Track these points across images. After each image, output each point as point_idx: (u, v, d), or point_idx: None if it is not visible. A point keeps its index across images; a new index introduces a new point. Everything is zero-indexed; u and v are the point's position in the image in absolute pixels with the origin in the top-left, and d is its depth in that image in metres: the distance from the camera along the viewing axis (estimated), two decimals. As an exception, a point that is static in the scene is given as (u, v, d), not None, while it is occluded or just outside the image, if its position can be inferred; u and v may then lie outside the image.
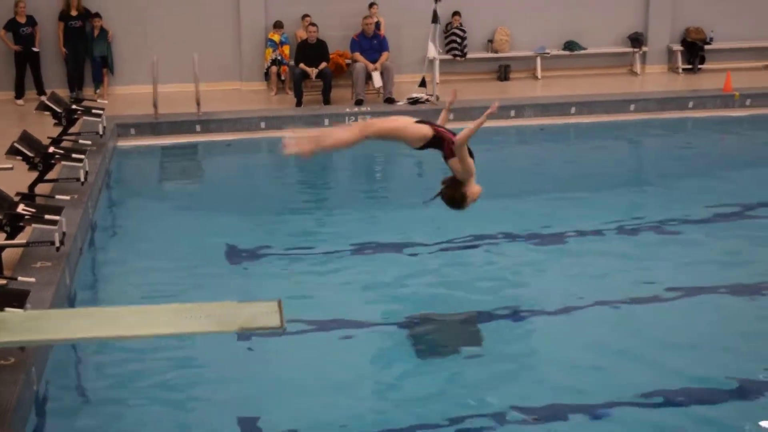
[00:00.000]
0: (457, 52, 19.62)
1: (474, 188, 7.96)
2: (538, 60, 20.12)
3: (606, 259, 11.05)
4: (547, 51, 20.12)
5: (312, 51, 17.90)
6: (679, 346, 8.79)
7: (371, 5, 18.61)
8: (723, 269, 10.67)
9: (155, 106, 16.51)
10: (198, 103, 16.68)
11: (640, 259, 11.04)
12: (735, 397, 7.96)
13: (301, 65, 17.73)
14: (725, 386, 8.08)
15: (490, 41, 20.10)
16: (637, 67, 20.51)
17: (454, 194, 7.89)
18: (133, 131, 16.42)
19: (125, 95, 18.37)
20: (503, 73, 19.99)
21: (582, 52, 20.30)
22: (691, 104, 18.24)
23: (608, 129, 17.34)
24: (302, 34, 18.39)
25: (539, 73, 20.10)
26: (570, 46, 20.28)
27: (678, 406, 7.80)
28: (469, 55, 19.79)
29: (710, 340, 8.96)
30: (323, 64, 17.87)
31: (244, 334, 8.77)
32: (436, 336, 9.28)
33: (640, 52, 20.49)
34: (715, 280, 10.26)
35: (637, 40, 20.42)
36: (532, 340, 9.19)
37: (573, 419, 7.61)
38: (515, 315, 9.54)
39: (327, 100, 17.81)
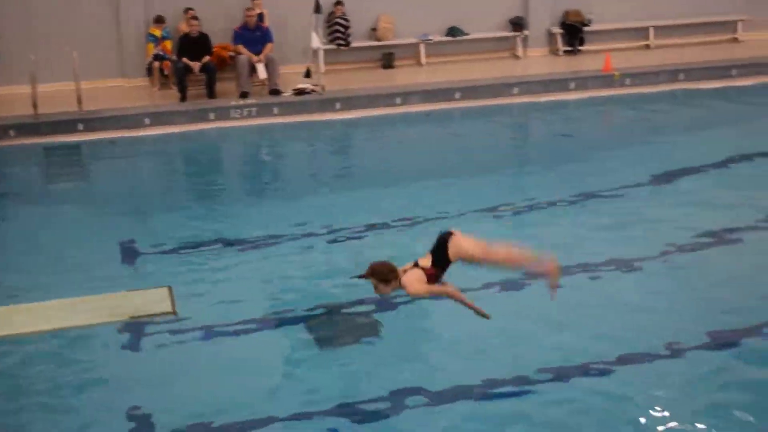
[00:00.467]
0: (341, 42, 19.63)
1: (415, 286, 7.26)
2: (422, 47, 20.27)
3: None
4: (431, 37, 20.28)
5: (194, 45, 17.70)
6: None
7: (253, -2, 18.53)
8: (607, 245, 10.87)
9: (35, 105, 16.16)
10: (79, 101, 16.38)
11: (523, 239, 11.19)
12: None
13: (184, 59, 17.53)
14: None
15: (374, 29, 20.18)
16: (519, 51, 20.82)
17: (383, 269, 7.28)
18: (12, 132, 16.04)
19: (3, 95, 17.91)
20: (388, 60, 20.09)
21: (465, 37, 20.52)
22: (572, 85, 18.57)
23: (493, 113, 17.57)
24: (184, 28, 18.18)
25: (423, 60, 20.26)
26: (453, 32, 20.48)
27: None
28: (353, 44, 19.84)
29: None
30: (206, 58, 17.69)
31: (137, 329, 8.64)
32: (332, 328, 9.24)
33: (522, 36, 20.80)
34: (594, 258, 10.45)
35: (518, 24, 20.73)
36: (426, 325, 9.24)
37: (470, 402, 7.69)
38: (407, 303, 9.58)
39: (212, 94, 17.66)
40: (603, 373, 7.96)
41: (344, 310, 9.43)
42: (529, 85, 18.41)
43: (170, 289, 6.58)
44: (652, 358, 8.14)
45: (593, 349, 8.31)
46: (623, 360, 8.12)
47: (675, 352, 8.25)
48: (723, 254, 10.55)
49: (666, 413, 7.31)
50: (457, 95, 17.97)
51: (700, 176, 13.27)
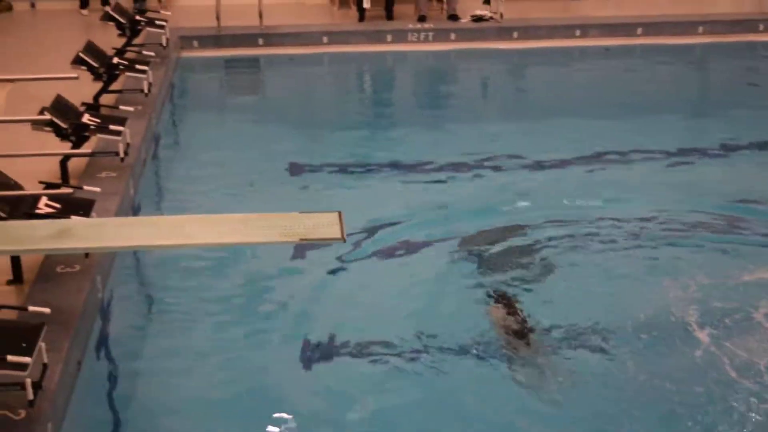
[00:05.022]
0: (523, -30, 19.30)
1: None
2: (607, -22, 19.76)
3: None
4: (616, -31, 19.75)
5: (376, -36, 17.72)
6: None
7: None
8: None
9: (218, 18, 16.49)
10: (261, 17, 16.63)
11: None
12: None
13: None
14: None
15: (559, -42, 19.77)
16: (707, -12, 20.04)
17: None
18: (195, 43, 16.44)
19: (188, 6, 18.30)
20: (570, -9, 19.68)
21: (652, -29, 19.87)
22: (761, 27, 17.79)
23: (675, 51, 17.03)
24: (366, -52, 18.19)
25: (607, -8, 19.76)
26: (640, -36, 19.86)
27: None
28: (536, -27, 19.47)
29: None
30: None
31: (306, 251, 8.89)
32: (494, 261, 9.22)
33: (711, -27, 20.00)
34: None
35: (709, -41, 19.94)
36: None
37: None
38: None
39: (390, 16, 17.65)
40: None
41: (507, 243, 9.40)
42: (713, 25, 17.74)
43: (340, 214, 6.65)
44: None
45: None
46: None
47: None
48: None
49: None
50: (639, 31, 17.47)
51: None
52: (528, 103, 14.73)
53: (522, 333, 7.83)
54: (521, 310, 8.11)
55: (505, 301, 8.35)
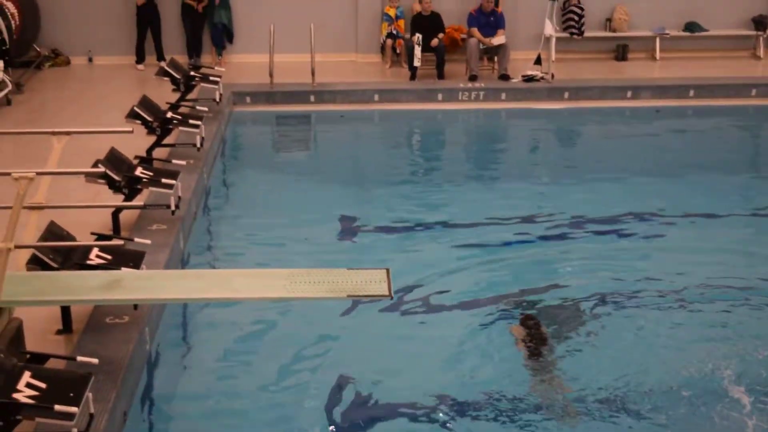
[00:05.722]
0: (574, 31, 19.36)
1: None
2: (657, 40, 19.73)
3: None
4: (667, 32, 19.72)
5: (427, 22, 17.85)
6: None
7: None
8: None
9: (271, 75, 16.70)
10: (313, 74, 16.81)
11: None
12: None
13: (415, 38, 17.67)
14: None
15: (609, 20, 19.79)
16: (761, 51, 19.94)
17: None
18: (248, 99, 16.63)
19: (242, 63, 18.62)
20: (621, 52, 19.67)
21: (703, 33, 19.84)
22: (814, 92, 17.68)
23: (728, 113, 16.94)
24: (417, 8, 18.36)
25: (658, 54, 19.72)
26: (690, 27, 19.84)
27: None
28: (586, 34, 19.51)
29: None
30: (440, 35, 17.81)
31: (354, 307, 8.91)
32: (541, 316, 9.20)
33: (765, 36, 19.92)
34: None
35: (761, 23, 19.85)
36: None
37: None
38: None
39: (441, 75, 17.77)
40: None
41: (550, 301, 9.36)
42: (767, 88, 17.65)
43: (388, 271, 6.69)
44: None
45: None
46: None
47: None
48: None
49: None
50: (691, 93, 17.42)
51: None
52: (578, 163, 14.70)
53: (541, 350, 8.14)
54: (545, 331, 8.38)
55: (531, 321, 8.69)
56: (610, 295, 9.43)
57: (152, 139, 12.11)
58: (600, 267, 10.21)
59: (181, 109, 13.50)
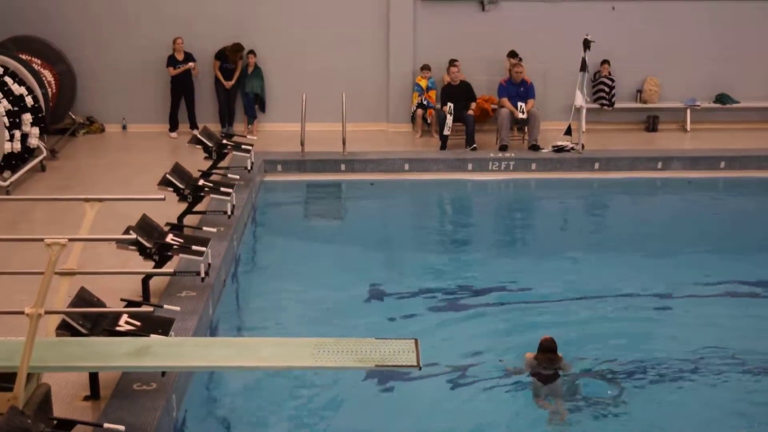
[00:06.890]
0: (604, 101, 19.41)
1: None
2: (688, 112, 19.74)
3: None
4: (698, 103, 19.73)
5: (457, 93, 17.93)
6: None
7: (517, 56, 18.59)
8: None
9: (302, 144, 16.81)
10: (344, 143, 16.91)
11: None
12: None
13: (446, 108, 17.75)
14: None
15: (639, 91, 19.84)
16: (792, 123, 19.93)
17: None
18: (279, 167, 16.74)
19: (274, 132, 18.77)
20: (652, 123, 19.67)
21: (734, 105, 19.84)
22: None
23: (760, 185, 16.86)
24: (447, 79, 18.48)
25: (688, 126, 19.71)
26: (721, 99, 19.85)
27: None
28: (617, 105, 19.56)
29: None
30: (472, 105, 17.90)
31: (382, 377, 8.87)
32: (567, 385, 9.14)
33: (796, 108, 19.91)
34: None
35: (792, 95, 19.87)
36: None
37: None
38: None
39: (471, 141, 17.77)
40: None
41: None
42: (799, 160, 17.59)
43: (416, 341, 6.68)
44: None
45: None
46: None
47: None
48: None
49: None
50: (722, 164, 17.38)
51: None
52: (608, 234, 14.66)
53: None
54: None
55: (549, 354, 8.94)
56: (641, 367, 9.34)
57: (184, 206, 12.20)
58: (629, 338, 10.15)
59: (213, 177, 13.61)
